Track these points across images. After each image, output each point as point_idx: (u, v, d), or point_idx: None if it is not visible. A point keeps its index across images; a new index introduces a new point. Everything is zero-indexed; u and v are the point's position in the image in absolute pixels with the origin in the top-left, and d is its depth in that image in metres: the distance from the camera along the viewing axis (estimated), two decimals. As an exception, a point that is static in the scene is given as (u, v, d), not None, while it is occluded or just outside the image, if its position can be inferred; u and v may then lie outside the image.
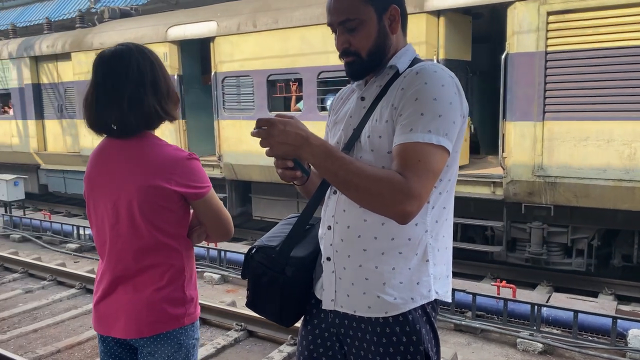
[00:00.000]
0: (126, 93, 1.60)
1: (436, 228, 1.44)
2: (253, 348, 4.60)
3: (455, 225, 5.73)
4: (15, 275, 6.75)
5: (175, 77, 8.06)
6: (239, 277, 6.37)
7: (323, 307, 1.50)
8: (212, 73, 7.89)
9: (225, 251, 6.77)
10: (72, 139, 10.33)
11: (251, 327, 4.78)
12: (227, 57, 7.73)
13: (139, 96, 1.60)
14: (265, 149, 1.30)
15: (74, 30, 10.44)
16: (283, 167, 1.39)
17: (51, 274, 6.54)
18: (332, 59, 6.46)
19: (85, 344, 4.71)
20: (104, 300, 1.70)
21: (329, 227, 1.49)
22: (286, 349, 4.34)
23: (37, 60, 10.69)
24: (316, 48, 6.85)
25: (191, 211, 1.72)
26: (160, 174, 1.59)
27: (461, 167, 5.77)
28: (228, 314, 4.98)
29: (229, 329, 4.85)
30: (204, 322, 4.99)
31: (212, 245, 6.80)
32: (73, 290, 6.09)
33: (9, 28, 12.36)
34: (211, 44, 7.84)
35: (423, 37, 5.94)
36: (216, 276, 6.44)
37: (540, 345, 4.32)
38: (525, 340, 4.38)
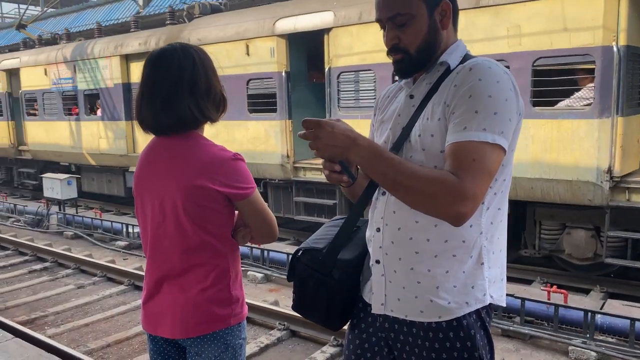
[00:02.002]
0: (162, 93, 1.63)
1: (491, 230, 1.40)
2: (296, 348, 4.60)
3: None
4: (68, 271, 7.02)
5: (283, 74, 7.60)
6: (282, 276, 6.43)
7: (372, 312, 1.47)
8: (326, 68, 7.21)
9: (269, 251, 6.82)
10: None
11: (294, 326, 4.78)
12: (345, 50, 6.98)
13: (173, 96, 1.62)
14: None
15: (164, 27, 10.13)
16: (330, 170, 1.37)
17: (101, 270, 6.76)
18: (475, 49, 5.78)
19: (133, 340, 4.84)
20: (151, 300, 1.73)
21: (378, 229, 1.45)
22: (329, 349, 4.32)
23: (128, 59, 10.26)
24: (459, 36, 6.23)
25: (236, 212, 1.72)
26: (204, 174, 1.59)
27: (631, 174, 5.35)
28: (271, 313, 5.01)
29: (271, 328, 4.87)
30: (247, 320, 5.04)
31: (254, 244, 6.86)
32: (122, 287, 6.28)
33: (94, 28, 12.28)
34: (325, 37, 7.15)
35: (599, 20, 4.98)
36: (259, 275, 6.50)
37: (594, 354, 4.13)
38: (577, 348, 4.20)
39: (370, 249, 1.50)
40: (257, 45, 7.91)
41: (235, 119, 8.17)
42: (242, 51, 8.08)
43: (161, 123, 1.65)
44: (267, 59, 7.78)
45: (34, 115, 12.81)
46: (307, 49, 8.04)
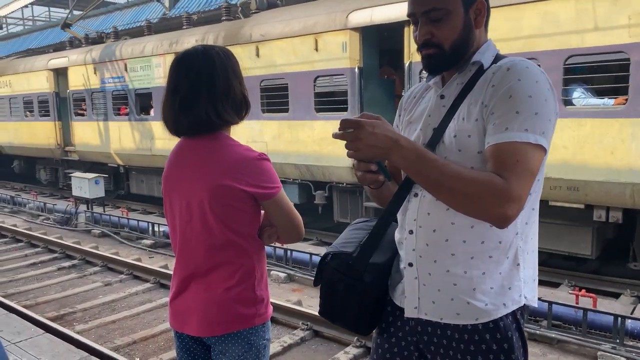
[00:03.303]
0: (181, 95, 1.65)
1: (526, 230, 1.38)
2: (319, 348, 4.60)
3: None
4: (96, 268, 7.15)
5: (355, 70, 7.17)
6: (305, 276, 6.45)
7: (405, 315, 1.44)
8: (406, 63, 6.74)
9: (292, 250, 6.84)
10: None
11: (317, 327, 4.79)
12: None
13: (191, 99, 1.64)
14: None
15: (221, 23, 9.66)
16: (365, 170, 1.34)
17: (128, 268, 6.88)
18: (587, 40, 5.23)
19: (159, 337, 4.91)
20: (178, 297, 1.75)
21: (411, 232, 1.42)
22: (352, 350, 4.31)
23: None
24: (564, 27, 5.40)
25: (262, 212, 1.73)
26: (230, 174, 1.61)
27: None
28: (294, 313, 5.02)
29: (295, 327, 4.89)
30: (270, 320, 5.06)
31: (278, 244, 6.89)
32: (148, 285, 6.37)
33: (143, 25, 12.03)
34: (406, 29, 6.60)
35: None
36: (282, 275, 6.52)
37: (624, 359, 4.03)
38: (607, 353, 4.10)
39: (401, 252, 1.48)
40: (326, 40, 7.47)
41: (300, 118, 7.86)
42: (309, 47, 7.66)
43: (180, 125, 1.68)
44: (337, 54, 7.32)
45: (82, 115, 12.51)
46: (381, 42, 7.59)
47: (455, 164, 1.28)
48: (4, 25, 28.80)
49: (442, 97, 1.44)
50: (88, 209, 10.38)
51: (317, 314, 4.80)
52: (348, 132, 1.24)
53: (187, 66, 1.66)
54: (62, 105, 13.14)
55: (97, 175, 10.33)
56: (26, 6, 28.26)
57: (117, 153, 11.51)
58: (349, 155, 1.28)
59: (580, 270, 6.25)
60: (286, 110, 8.08)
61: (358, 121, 1.24)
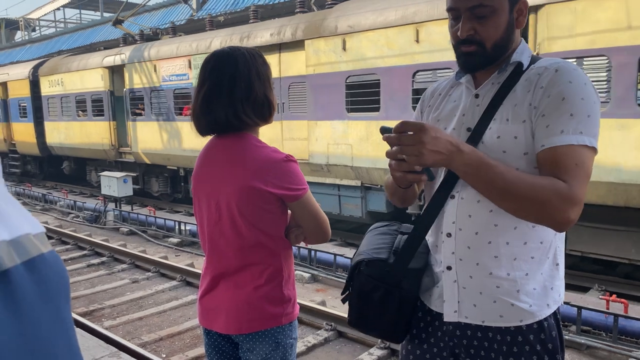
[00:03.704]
0: (203, 95, 1.68)
1: None
2: (343, 349, 4.60)
3: None
4: (124, 265, 7.29)
5: None
6: (329, 277, 6.45)
7: (445, 320, 1.42)
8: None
9: (316, 251, 6.86)
10: (296, 143, 8.42)
11: (341, 327, 4.78)
12: (563, 32, 5.62)
13: (212, 99, 1.66)
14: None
15: (299, 15, 8.94)
16: (407, 171, 1.30)
17: (155, 266, 6.99)
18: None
19: (185, 334, 4.97)
20: (207, 295, 1.77)
21: (449, 235, 1.39)
22: (376, 352, 4.30)
23: None
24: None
25: (289, 212, 1.74)
26: (256, 176, 1.62)
27: None
28: (318, 313, 5.03)
29: (318, 328, 4.90)
30: (294, 319, 5.09)
31: (302, 244, 6.89)
32: (174, 282, 6.47)
33: (206, 17, 11.57)
34: (531, 16, 5.88)
35: None
36: (306, 275, 6.54)
37: (657, 367, 3.92)
38: (638, 360, 4.00)
39: (437, 255, 1.45)
40: (430, 30, 6.75)
41: (393, 118, 7.07)
42: (408, 38, 6.95)
43: (201, 124, 1.71)
44: (443, 45, 6.51)
45: (140, 114, 11.83)
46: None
47: (511, 168, 1.27)
48: (37, 28, 29.61)
49: (476, 96, 1.41)
50: (116, 207, 10.59)
51: (341, 314, 4.82)
52: (408, 136, 1.21)
53: (211, 67, 1.69)
54: (117, 104, 12.66)
55: (125, 174, 10.52)
56: (58, 9, 29.09)
57: (177, 155, 10.84)
58: (410, 162, 1.24)
59: (611, 275, 6.11)
60: (376, 109, 7.36)
61: (422, 124, 1.21)
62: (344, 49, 7.66)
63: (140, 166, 12.31)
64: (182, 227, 8.89)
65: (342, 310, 5.03)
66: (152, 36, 12.41)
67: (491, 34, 1.34)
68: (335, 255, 6.66)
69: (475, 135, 1.35)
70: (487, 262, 1.35)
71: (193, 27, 13.03)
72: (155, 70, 10.97)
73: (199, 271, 6.47)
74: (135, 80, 11.66)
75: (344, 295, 1.54)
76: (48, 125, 15.07)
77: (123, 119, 12.37)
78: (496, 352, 1.37)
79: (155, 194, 12.34)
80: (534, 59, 1.39)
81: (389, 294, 1.42)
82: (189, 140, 10.42)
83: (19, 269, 0.48)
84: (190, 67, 10.05)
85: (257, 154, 1.65)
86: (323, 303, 5.49)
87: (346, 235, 8.40)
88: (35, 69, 15.27)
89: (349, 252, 6.90)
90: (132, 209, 10.59)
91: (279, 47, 8.57)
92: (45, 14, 29.89)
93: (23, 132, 16.10)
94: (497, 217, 1.32)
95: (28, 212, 0.53)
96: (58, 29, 27.54)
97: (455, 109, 1.45)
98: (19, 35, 29.66)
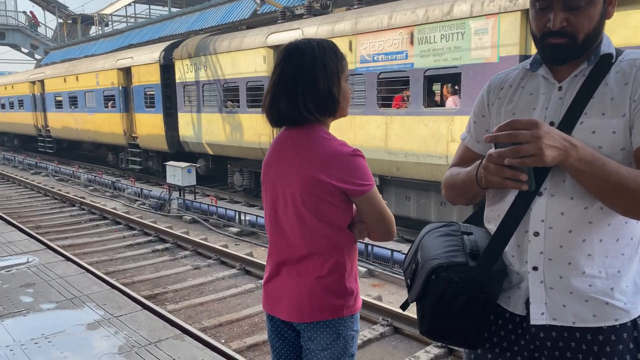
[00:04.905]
0: (269, 87, 1.72)
1: None
2: (399, 345, 4.58)
3: None
4: (186, 252, 7.56)
5: None
6: (385, 272, 6.42)
7: (532, 323, 1.36)
8: None
9: (372, 246, 6.84)
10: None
11: (397, 323, 4.76)
12: None
13: (278, 92, 1.68)
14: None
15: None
16: (508, 177, 1.24)
17: (216, 254, 7.21)
18: None
19: (243, 321, 5.11)
20: (271, 281, 1.81)
21: (536, 234, 1.33)
22: (433, 350, 4.25)
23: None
24: None
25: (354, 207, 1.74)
26: (322, 168, 1.63)
27: None
28: (374, 308, 5.02)
29: (374, 323, 4.89)
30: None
31: (372, 240, 6.86)
32: (234, 271, 6.64)
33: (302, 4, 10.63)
34: None
35: None
36: (363, 269, 6.54)
37: None
38: None
39: (522, 256, 1.38)
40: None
41: None
42: None
43: (268, 116, 1.75)
44: None
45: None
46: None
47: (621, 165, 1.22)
48: (109, 23, 31.08)
49: (560, 88, 1.35)
50: (180, 196, 10.98)
51: (397, 310, 4.79)
52: (523, 133, 1.16)
53: (280, 59, 1.71)
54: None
55: (189, 164, 10.89)
56: (129, 4, 30.40)
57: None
58: (525, 162, 1.18)
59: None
60: None
61: (535, 120, 1.17)
62: None
63: None
64: (242, 217, 9.10)
65: (398, 307, 4.99)
66: (321, 10, 10.38)
67: (585, 25, 1.28)
68: (392, 250, 6.63)
69: (562, 130, 1.28)
70: (579, 260, 1.30)
71: (258, 22, 13.25)
72: (350, 49, 8.46)
73: (258, 260, 6.63)
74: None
75: (412, 301, 1.47)
76: (182, 118, 12.80)
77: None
78: (585, 353, 1.31)
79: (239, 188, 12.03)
80: (617, 51, 1.33)
81: (472, 300, 1.34)
82: (397, 138, 7.96)
83: None
84: (412, 41, 7.63)
85: (323, 147, 1.67)
86: (379, 298, 5.48)
87: (404, 231, 8.33)
88: (168, 51, 13.03)
89: (406, 248, 6.84)
90: (194, 198, 10.94)
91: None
92: (117, 10, 31.34)
93: (148, 125, 13.88)
94: (593, 214, 1.27)
95: None
96: (129, 24, 28.77)
97: (534, 101, 1.39)
98: (93, 30, 31.25)
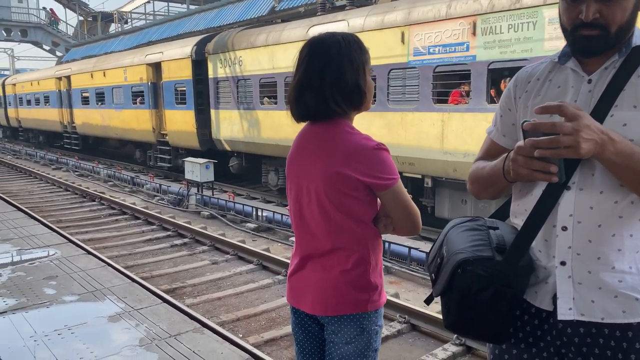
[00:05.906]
0: (294, 82, 1.72)
1: None
2: (416, 342, 4.57)
3: None
4: (204, 247, 7.62)
5: None
6: (402, 269, 6.40)
7: (559, 318, 1.34)
8: None
9: (390, 243, 6.82)
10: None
11: (414, 320, 4.75)
12: None
13: (303, 86, 1.69)
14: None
15: None
16: (538, 169, 1.22)
17: (233, 249, 7.26)
18: None
19: (261, 316, 5.14)
20: (296, 274, 1.82)
21: (564, 228, 1.31)
22: (451, 347, 4.23)
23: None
24: None
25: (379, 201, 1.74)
26: (346, 162, 1.63)
27: None
28: (391, 305, 5.01)
29: (391, 320, 4.88)
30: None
31: (397, 235, 6.83)
32: (251, 266, 6.68)
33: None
34: None
35: None
36: (380, 266, 6.52)
37: None
38: None
39: (549, 250, 1.36)
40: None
41: None
42: None
43: (294, 111, 1.75)
44: None
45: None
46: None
47: None
48: (129, 20, 31.42)
49: (589, 81, 1.33)
50: (198, 191, 11.07)
51: (414, 307, 4.77)
52: (563, 125, 1.15)
53: (305, 54, 1.71)
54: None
55: (207, 160, 10.96)
56: (148, 2, 30.71)
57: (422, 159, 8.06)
58: (561, 153, 1.16)
59: None
60: None
61: (578, 112, 1.15)
62: None
63: None
64: (259, 213, 9.14)
65: (416, 304, 4.98)
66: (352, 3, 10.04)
67: (618, 17, 1.26)
68: (410, 248, 6.60)
69: None
70: (609, 255, 1.28)
71: (275, 18, 13.27)
72: (402, 40, 7.93)
73: (275, 256, 6.66)
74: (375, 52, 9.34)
75: (437, 295, 1.46)
76: (215, 115, 12.41)
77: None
78: (613, 349, 1.30)
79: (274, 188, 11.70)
80: None
81: (499, 295, 1.33)
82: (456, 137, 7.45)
83: None
84: (474, 32, 7.09)
85: (347, 141, 1.66)
86: (396, 295, 5.47)
87: (423, 229, 8.26)
88: (201, 45, 12.69)
89: (424, 245, 6.81)
90: (212, 194, 11.02)
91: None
92: (136, 7, 31.68)
93: (179, 121, 13.54)
94: (623, 208, 1.26)
95: None
96: (148, 21, 29.04)
97: (562, 94, 1.37)
98: (112, 28, 31.62)
